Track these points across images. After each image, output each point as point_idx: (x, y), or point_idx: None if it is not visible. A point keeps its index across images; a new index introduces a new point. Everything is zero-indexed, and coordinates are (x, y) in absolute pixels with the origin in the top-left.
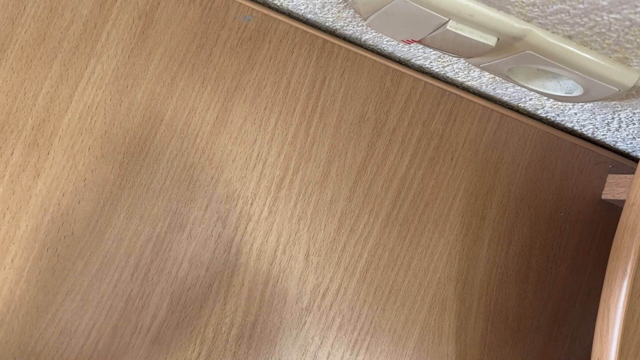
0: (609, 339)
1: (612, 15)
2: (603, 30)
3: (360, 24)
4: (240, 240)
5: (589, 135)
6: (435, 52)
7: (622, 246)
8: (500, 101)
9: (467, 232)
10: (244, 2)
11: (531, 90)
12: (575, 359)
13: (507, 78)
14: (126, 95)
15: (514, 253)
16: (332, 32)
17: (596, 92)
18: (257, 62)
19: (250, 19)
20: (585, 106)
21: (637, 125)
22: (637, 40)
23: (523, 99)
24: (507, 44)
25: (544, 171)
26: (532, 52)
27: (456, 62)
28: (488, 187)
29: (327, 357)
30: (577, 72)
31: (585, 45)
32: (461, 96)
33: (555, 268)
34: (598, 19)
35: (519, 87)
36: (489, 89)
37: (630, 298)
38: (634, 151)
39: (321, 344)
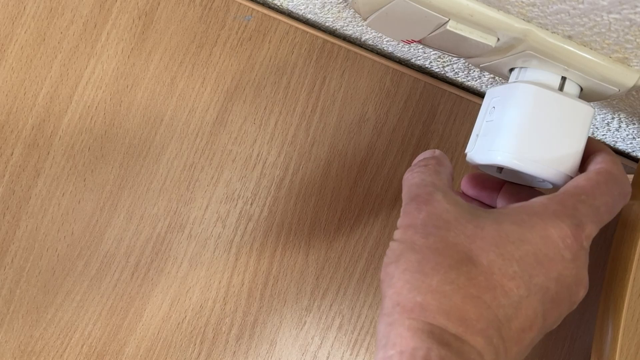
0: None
1: (612, 15)
2: (603, 30)
3: (360, 24)
4: (240, 240)
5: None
6: (435, 52)
7: (622, 246)
8: None
9: None
10: (244, 2)
11: None
12: (575, 359)
13: (507, 78)
14: (126, 95)
15: None
16: (332, 32)
17: (596, 92)
18: (257, 62)
19: (250, 19)
20: None
21: (637, 125)
22: (637, 40)
23: None
24: (507, 44)
25: None
26: (532, 52)
27: (456, 62)
28: None
29: (327, 357)
30: (577, 72)
31: (585, 45)
32: (461, 96)
33: None
34: (598, 19)
35: None
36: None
37: (630, 298)
38: (633, 151)
39: (321, 344)
